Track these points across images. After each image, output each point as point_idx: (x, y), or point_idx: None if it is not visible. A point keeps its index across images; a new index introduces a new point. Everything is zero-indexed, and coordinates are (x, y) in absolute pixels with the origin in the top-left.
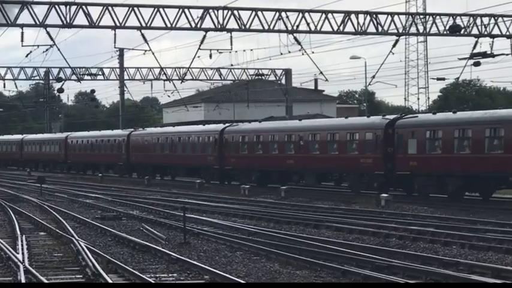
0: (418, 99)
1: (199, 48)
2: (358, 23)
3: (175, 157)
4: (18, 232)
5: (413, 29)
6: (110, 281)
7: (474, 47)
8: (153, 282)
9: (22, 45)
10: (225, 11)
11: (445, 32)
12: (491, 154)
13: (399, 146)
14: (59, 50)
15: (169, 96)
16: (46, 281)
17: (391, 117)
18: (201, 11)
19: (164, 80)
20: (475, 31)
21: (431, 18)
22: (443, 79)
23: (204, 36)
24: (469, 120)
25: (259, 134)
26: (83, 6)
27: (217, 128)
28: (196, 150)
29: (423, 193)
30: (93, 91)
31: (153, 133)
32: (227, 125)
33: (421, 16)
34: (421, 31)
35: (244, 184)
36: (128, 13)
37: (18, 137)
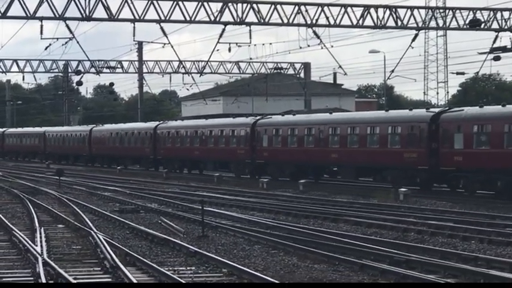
0: (438, 93)
1: (218, 42)
2: (377, 17)
3: (122, 149)
4: (37, 224)
5: (433, 23)
6: (128, 274)
7: (494, 41)
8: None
9: (41, 38)
10: (244, 5)
11: (465, 26)
12: (308, 148)
13: (258, 140)
14: (78, 43)
15: (188, 89)
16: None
17: (257, 118)
18: (220, 4)
19: (183, 73)
20: (495, 25)
21: (451, 12)
22: (463, 73)
23: (223, 30)
24: (297, 121)
25: (178, 130)
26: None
27: (152, 125)
28: (137, 143)
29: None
30: (112, 84)
31: (108, 129)
32: (160, 122)
33: (441, 10)
34: (440, 25)
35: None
36: (147, 6)
37: (0, 130)
